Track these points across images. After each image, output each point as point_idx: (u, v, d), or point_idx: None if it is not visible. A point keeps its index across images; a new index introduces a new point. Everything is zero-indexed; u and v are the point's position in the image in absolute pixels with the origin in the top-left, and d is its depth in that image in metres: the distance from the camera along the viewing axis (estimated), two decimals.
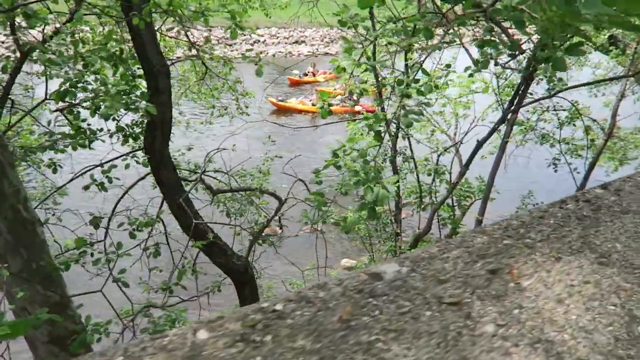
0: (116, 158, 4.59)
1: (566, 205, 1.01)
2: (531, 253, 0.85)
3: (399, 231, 7.63)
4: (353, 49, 2.89)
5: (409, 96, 2.81)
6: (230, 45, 38.72)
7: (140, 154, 4.74)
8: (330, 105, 3.04)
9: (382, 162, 7.65)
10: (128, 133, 4.17)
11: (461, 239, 0.89)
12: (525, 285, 0.76)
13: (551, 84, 4.84)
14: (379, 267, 0.82)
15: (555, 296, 0.74)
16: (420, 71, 2.87)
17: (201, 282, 6.47)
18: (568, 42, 1.97)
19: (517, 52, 2.56)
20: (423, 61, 3.00)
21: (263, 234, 12.25)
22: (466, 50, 3.18)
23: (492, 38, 2.53)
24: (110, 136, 4.31)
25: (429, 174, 7.71)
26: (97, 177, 3.98)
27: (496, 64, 2.67)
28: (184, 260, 4.53)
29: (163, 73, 4.36)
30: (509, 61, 2.61)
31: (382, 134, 7.70)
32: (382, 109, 7.68)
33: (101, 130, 4.39)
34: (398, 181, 7.55)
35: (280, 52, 37.60)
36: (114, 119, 4.26)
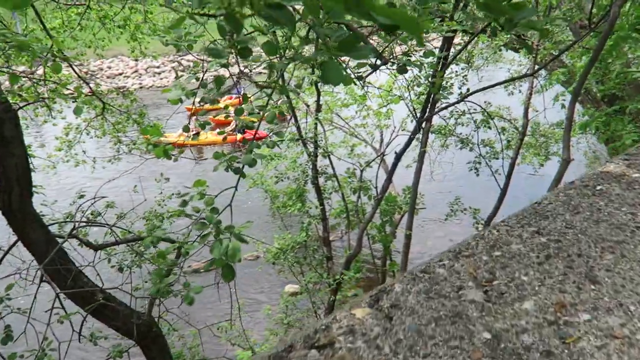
0: None
1: (309, 350, 0.55)
2: None
3: (329, 255, 7.19)
4: (191, 74, 2.41)
5: (250, 127, 2.36)
6: (158, 73, 37.52)
7: None
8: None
9: (304, 185, 7.22)
10: None
11: None
12: None
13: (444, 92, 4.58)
14: None
15: None
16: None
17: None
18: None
19: (377, 61, 2.18)
20: (274, 84, 2.56)
21: (198, 268, 11.52)
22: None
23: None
24: None
25: (355, 191, 7.35)
26: None
27: (359, 78, 2.27)
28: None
29: (7, 120, 3.70)
30: (371, 72, 2.22)
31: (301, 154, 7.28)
32: (298, 129, 7.28)
33: None
34: (322, 204, 7.15)
35: (211, 77, 36.92)
36: None
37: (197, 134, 16.77)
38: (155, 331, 4.88)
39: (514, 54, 11.05)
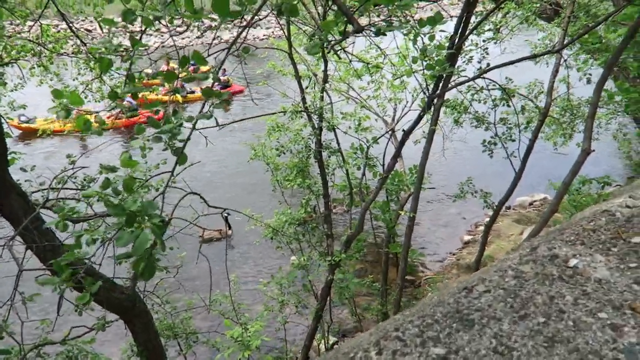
0: None
1: None
2: None
3: (329, 233, 6.94)
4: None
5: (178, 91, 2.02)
6: (180, 33, 36.88)
7: None
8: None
9: (306, 159, 6.89)
10: None
11: None
12: None
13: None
14: None
15: None
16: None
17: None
18: None
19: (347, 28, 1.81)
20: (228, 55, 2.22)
21: (212, 237, 11.51)
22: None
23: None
24: None
25: (358, 168, 7.00)
26: None
27: (325, 44, 1.92)
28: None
29: None
30: (341, 40, 1.86)
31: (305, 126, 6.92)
32: (303, 100, 6.90)
33: None
34: (325, 180, 6.83)
35: (231, 36, 36.27)
36: None
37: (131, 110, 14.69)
38: (139, 306, 4.75)
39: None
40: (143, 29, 2.78)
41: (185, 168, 3.16)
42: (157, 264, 4.38)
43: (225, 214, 10.87)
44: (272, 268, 10.01)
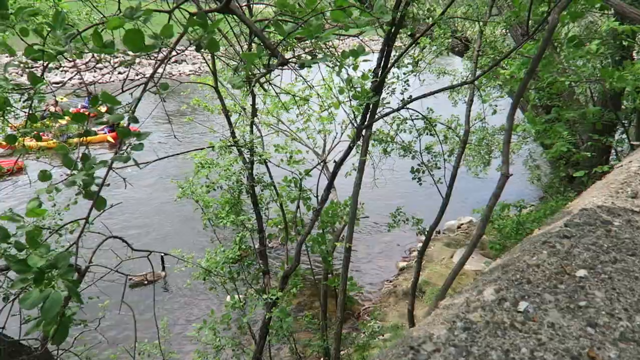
0: None
1: None
2: None
3: (266, 269, 6.72)
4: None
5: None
6: (100, 69, 35.36)
7: None
8: None
9: (239, 195, 6.70)
10: None
11: None
12: None
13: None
14: None
15: None
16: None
17: None
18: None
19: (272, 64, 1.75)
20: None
21: (143, 280, 10.70)
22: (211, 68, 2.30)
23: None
24: None
25: (293, 201, 6.92)
26: None
27: (246, 80, 1.83)
28: None
29: None
30: (265, 73, 1.80)
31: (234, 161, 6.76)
32: (232, 134, 6.75)
33: None
34: (259, 215, 6.66)
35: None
36: None
37: None
38: None
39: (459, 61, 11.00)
40: (46, 64, 2.56)
41: (104, 210, 2.88)
42: (73, 318, 3.93)
43: (162, 254, 10.26)
44: (206, 310, 9.51)
